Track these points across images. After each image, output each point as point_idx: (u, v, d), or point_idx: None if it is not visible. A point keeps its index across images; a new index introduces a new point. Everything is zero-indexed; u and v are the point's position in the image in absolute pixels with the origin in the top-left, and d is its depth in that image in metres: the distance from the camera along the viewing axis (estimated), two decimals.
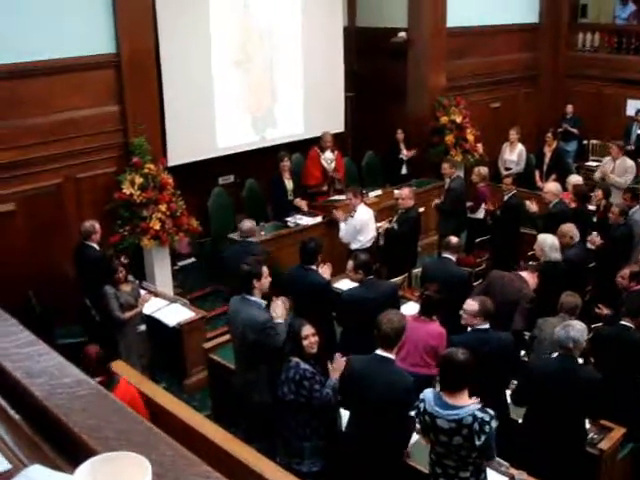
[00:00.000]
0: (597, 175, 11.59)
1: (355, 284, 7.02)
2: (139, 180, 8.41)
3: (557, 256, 7.69)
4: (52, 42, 7.93)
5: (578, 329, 5.38)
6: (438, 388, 4.81)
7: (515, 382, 5.96)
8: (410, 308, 7.48)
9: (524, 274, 7.19)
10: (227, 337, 6.87)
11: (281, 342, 5.69)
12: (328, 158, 11.21)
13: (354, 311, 6.71)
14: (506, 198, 9.86)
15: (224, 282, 8.60)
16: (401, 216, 9.22)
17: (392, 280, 8.70)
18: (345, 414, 5.60)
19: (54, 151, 8.11)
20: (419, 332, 6.10)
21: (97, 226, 7.93)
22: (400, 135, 12.25)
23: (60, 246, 8.22)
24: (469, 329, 6.06)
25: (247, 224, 8.36)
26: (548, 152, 12.62)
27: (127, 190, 8.36)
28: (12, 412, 1.62)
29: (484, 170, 10.50)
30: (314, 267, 7.03)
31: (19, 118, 7.83)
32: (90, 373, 5.52)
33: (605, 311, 7.41)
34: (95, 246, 7.91)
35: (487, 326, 5.82)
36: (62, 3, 7.95)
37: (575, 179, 10.31)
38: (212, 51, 10.65)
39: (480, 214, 10.36)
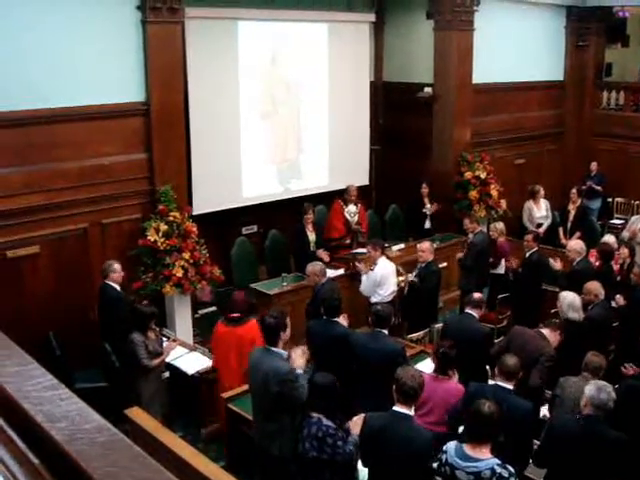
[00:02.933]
0: (625, 234, 11.46)
1: None
2: (164, 227, 8.46)
3: (575, 315, 7.60)
4: (84, 89, 8.11)
5: (611, 390, 5.30)
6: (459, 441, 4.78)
7: (537, 443, 5.85)
8: (431, 364, 7.41)
9: (545, 331, 7.10)
10: (245, 387, 6.82)
11: (304, 395, 5.62)
12: (351, 211, 11.26)
13: (355, 355, 6.82)
14: (527, 255, 9.81)
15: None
16: (422, 271, 9.18)
17: (413, 335, 8.68)
18: (362, 470, 5.52)
19: (81, 196, 8.23)
20: (439, 391, 6.03)
21: (116, 266, 7.98)
22: (425, 189, 12.24)
23: (82, 290, 8.29)
24: (490, 382, 6.02)
25: (324, 267, 8.59)
26: (572, 209, 12.61)
27: (151, 237, 8.41)
28: (32, 456, 1.61)
29: (500, 225, 10.51)
30: (337, 319, 7.04)
31: (49, 162, 7.98)
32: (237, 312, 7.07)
33: (631, 371, 7.30)
34: (114, 285, 7.96)
35: (509, 386, 5.74)
36: (96, 52, 8.14)
37: (611, 240, 10.17)
38: (240, 102, 10.82)
39: (501, 269, 10.31)
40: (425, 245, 9.26)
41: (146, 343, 7.26)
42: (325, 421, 5.26)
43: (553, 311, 8.61)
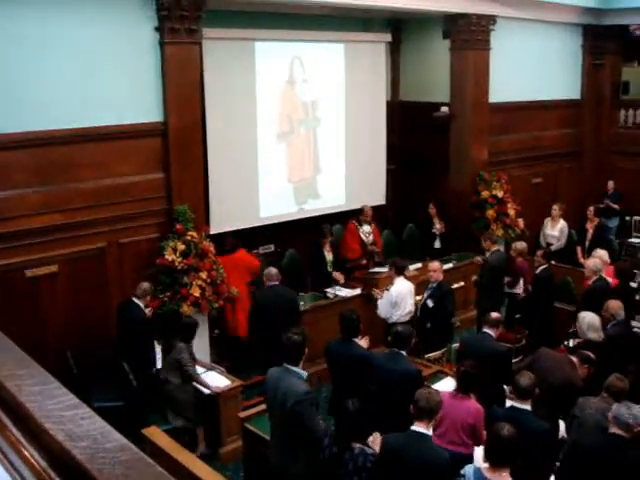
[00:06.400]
0: None
1: None
2: (181, 247, 8.48)
3: (594, 336, 7.53)
4: (102, 110, 8.17)
5: (638, 410, 5.26)
6: (478, 464, 4.75)
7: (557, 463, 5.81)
8: (448, 384, 7.38)
9: (574, 359, 6.98)
10: (263, 407, 6.80)
11: (315, 420, 5.60)
12: (366, 231, 11.30)
13: (372, 375, 6.78)
14: (538, 272, 9.73)
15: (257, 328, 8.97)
16: (435, 291, 9.11)
17: (430, 355, 8.64)
18: None
19: (99, 215, 8.27)
20: (457, 410, 6.00)
21: (150, 289, 8.16)
22: (432, 210, 12.28)
23: (100, 309, 8.32)
24: (508, 403, 5.98)
25: (273, 270, 8.96)
26: (590, 228, 12.58)
27: (169, 256, 8.43)
28: (54, 475, 1.62)
29: (521, 245, 10.38)
30: (356, 339, 7.02)
31: (68, 182, 8.03)
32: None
33: None
34: (141, 306, 8.07)
35: (527, 407, 5.71)
36: (114, 73, 8.22)
37: (600, 253, 10.04)
38: (257, 122, 10.88)
39: (519, 289, 10.24)
40: (435, 265, 9.17)
41: (191, 352, 7.59)
42: (368, 450, 5.21)
43: (570, 331, 8.55)
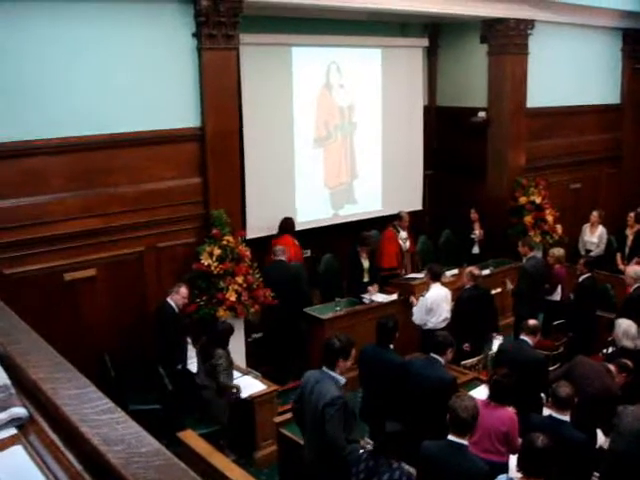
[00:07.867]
0: None
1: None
2: (217, 251, 8.51)
3: (629, 344, 7.43)
4: (141, 115, 8.23)
5: None
6: (512, 474, 4.70)
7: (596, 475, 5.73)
8: (484, 391, 7.27)
9: (611, 367, 6.88)
10: None
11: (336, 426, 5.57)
12: (403, 237, 11.24)
13: (407, 380, 6.71)
14: (580, 280, 9.64)
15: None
16: (460, 296, 9.09)
17: (467, 361, 8.57)
18: None
19: (137, 220, 8.32)
20: (490, 418, 5.91)
21: (183, 289, 8.19)
22: (474, 215, 12.17)
23: (137, 313, 8.38)
24: (545, 412, 5.91)
25: (279, 247, 9.75)
26: (630, 234, 12.38)
27: (205, 261, 8.47)
28: (88, 478, 1.63)
29: (558, 251, 10.27)
30: (391, 346, 6.98)
31: (107, 187, 8.10)
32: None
33: None
34: (173, 305, 8.13)
35: (565, 418, 5.63)
36: (152, 78, 8.27)
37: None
38: (294, 127, 10.91)
39: (557, 296, 10.12)
40: (464, 270, 9.20)
41: (229, 358, 7.62)
42: (406, 467, 5.19)
43: (610, 339, 8.45)
